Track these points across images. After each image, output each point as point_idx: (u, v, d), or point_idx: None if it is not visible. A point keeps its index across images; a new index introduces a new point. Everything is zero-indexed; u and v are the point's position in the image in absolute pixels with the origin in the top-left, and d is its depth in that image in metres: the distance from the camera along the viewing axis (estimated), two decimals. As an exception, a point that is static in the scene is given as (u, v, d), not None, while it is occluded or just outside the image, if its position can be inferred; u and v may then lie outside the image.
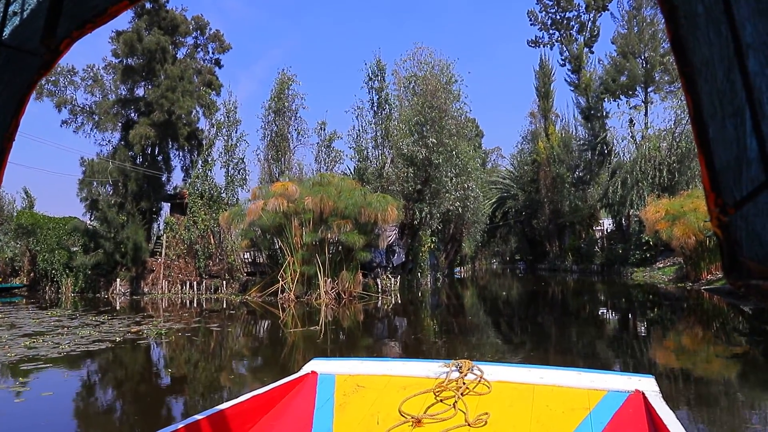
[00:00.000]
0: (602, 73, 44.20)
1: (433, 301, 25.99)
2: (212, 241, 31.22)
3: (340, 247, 24.73)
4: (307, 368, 3.76)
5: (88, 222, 33.60)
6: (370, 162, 29.43)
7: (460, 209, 33.04)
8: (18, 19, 1.07)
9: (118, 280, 31.56)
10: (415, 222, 29.47)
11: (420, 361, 3.77)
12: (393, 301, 24.46)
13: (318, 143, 30.18)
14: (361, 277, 24.75)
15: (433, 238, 35.06)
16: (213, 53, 36.39)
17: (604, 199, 40.73)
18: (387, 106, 29.96)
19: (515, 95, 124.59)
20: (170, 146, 33.94)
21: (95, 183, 31.54)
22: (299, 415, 3.24)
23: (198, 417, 2.67)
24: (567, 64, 48.66)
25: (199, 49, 35.79)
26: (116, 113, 32.17)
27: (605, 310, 20.04)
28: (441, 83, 29.48)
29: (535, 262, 55.17)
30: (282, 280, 24.46)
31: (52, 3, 0.99)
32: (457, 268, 49.90)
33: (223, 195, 30.91)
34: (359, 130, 30.11)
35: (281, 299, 24.00)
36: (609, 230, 44.36)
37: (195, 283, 30.67)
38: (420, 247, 32.12)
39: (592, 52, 47.95)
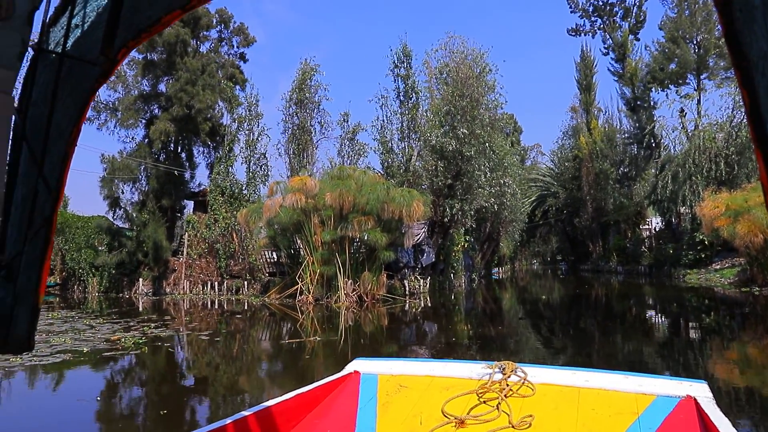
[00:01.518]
0: (649, 61, 41.12)
1: (467, 304, 24.05)
2: (235, 240, 30.06)
3: (362, 246, 23.04)
4: (349, 368, 3.76)
5: (112, 220, 33.01)
6: (396, 155, 27.62)
7: (495, 206, 30.92)
8: (79, 31, 1.21)
9: (140, 279, 30.79)
10: (446, 219, 27.51)
11: (462, 362, 3.75)
12: (421, 305, 22.66)
13: (341, 136, 28.63)
14: (385, 278, 22.98)
15: (467, 237, 33.05)
16: (237, 47, 35.35)
17: (652, 196, 37.74)
18: (414, 95, 28.12)
19: (555, 91, 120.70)
20: (193, 142, 33.01)
21: (117, 181, 30.80)
22: (343, 414, 3.26)
23: (245, 413, 2.75)
24: (610, 53, 45.67)
25: (224, 43, 34.80)
26: (138, 109, 31.42)
27: (654, 315, 17.74)
28: (474, 72, 27.48)
29: (577, 263, 52.31)
30: (300, 282, 22.92)
31: (110, 15, 1.09)
32: (495, 269, 47.67)
33: (245, 191, 29.69)
34: (384, 121, 28.39)
35: (299, 301, 22.49)
36: (657, 229, 41.28)
37: (216, 283, 29.54)
38: (452, 246, 30.15)
39: (638, 39, 44.84)
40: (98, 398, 7.46)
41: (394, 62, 28.31)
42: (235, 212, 28.32)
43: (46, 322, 16.31)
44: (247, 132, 29.12)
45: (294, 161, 28.45)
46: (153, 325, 15.26)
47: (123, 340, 11.41)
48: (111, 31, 1.09)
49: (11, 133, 1.21)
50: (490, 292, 31.04)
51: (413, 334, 14.84)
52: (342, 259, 22.01)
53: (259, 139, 28.73)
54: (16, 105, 1.26)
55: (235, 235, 29.86)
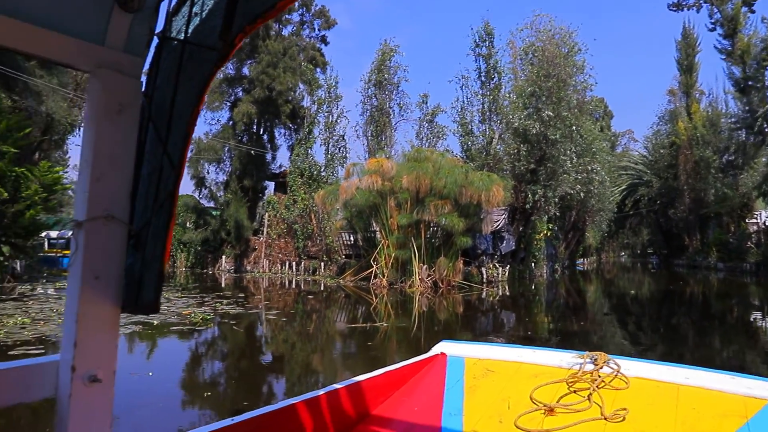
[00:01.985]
0: (766, 35, 37.00)
1: (549, 296, 22.91)
2: (313, 221, 30.36)
3: (439, 231, 22.40)
4: (436, 349, 3.78)
5: (198, 199, 34.38)
6: (476, 137, 26.53)
7: (582, 194, 29.16)
8: (198, 19, 1.30)
9: (223, 257, 31.92)
10: (528, 206, 26.23)
11: (552, 350, 3.70)
12: (499, 293, 21.80)
13: (420, 118, 27.90)
14: (461, 265, 22.23)
15: (551, 225, 31.49)
16: (318, 30, 35.46)
17: (762, 186, 34.19)
18: (496, 75, 26.85)
19: (651, 73, 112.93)
20: (274, 124, 33.58)
21: (202, 161, 31.95)
22: (429, 394, 3.26)
23: (336, 386, 2.83)
24: (718, 28, 41.54)
25: (305, 26, 35.01)
26: (223, 92, 32.34)
27: (762, 318, 15.86)
28: (561, 52, 25.82)
29: (670, 257, 48.73)
30: (375, 265, 22.67)
31: (228, 2, 1.15)
32: (580, 260, 45.46)
33: (323, 173, 29.81)
34: (464, 102, 27.30)
35: (373, 285, 22.25)
36: (767, 223, 37.48)
37: (294, 263, 30.01)
38: (534, 234, 28.80)
39: (753, 11, 40.43)
40: (150, 373, 7.43)
41: (475, 41, 27.18)
42: (313, 193, 28.52)
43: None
44: (326, 114, 29.16)
45: (372, 143, 28.16)
46: (225, 301, 15.52)
47: (193, 315, 11.53)
48: (229, 17, 1.15)
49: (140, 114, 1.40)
50: (574, 283, 29.46)
51: (490, 324, 14.19)
52: (417, 243, 21.50)
53: (338, 121, 28.70)
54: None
55: (313, 217, 30.14)
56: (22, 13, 1.22)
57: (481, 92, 26.89)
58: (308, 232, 29.77)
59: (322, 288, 22.66)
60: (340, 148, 29.23)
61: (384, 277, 22.14)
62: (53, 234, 40.33)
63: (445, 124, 28.99)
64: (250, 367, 8.53)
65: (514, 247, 27.26)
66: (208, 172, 33.25)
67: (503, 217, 25.39)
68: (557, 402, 2.89)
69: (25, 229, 19.69)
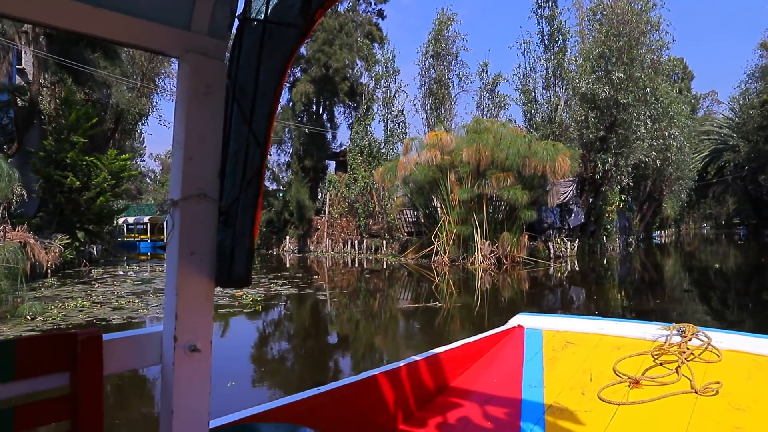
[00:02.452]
0: None
1: (622, 270, 21.66)
2: (375, 199, 30.11)
3: (501, 205, 21.53)
4: (513, 322, 3.79)
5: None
6: (539, 105, 25.13)
7: (658, 162, 27.25)
8: None
9: (287, 237, 32.38)
10: (597, 176, 24.71)
11: (634, 322, 3.67)
12: (568, 269, 20.81)
13: (480, 88, 26.76)
14: (526, 240, 21.31)
15: (623, 197, 29.69)
16: (375, 4, 34.73)
17: None
18: (560, 37, 25.16)
19: (737, 26, 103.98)
20: (333, 103, 33.41)
21: (264, 143, 32.27)
22: (508, 365, 3.26)
23: (416, 358, 2.88)
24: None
25: (361, 1, 34.36)
26: (281, 72, 32.38)
27: None
28: (633, 8, 23.85)
29: (760, 227, 45.06)
30: (436, 242, 22.13)
31: None
32: (656, 233, 42.91)
33: (383, 150, 29.40)
34: (526, 68, 25.85)
35: (435, 262, 21.77)
36: None
37: (356, 242, 29.97)
38: (605, 206, 27.22)
39: None
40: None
41: (537, 2, 25.55)
42: (374, 171, 28.22)
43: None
44: (384, 89, 28.59)
45: (431, 117, 27.37)
46: (281, 282, 15.50)
47: (243, 297, 11.49)
48: None
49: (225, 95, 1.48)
50: (650, 257, 27.73)
51: (557, 301, 13.47)
52: (479, 218, 20.76)
53: (396, 95, 28.06)
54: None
55: (374, 195, 29.88)
56: (115, 5, 1.29)
57: (544, 57, 25.34)
58: (369, 210, 29.58)
59: (383, 266, 22.42)
60: (399, 124, 28.69)
61: (445, 254, 21.58)
62: (131, 220, 42.53)
63: (507, 93, 27.59)
64: (292, 351, 8.33)
65: (583, 220, 25.85)
66: (270, 154, 33.59)
67: (571, 188, 24.06)
68: (642, 374, 2.80)
69: (96, 215, 20.61)
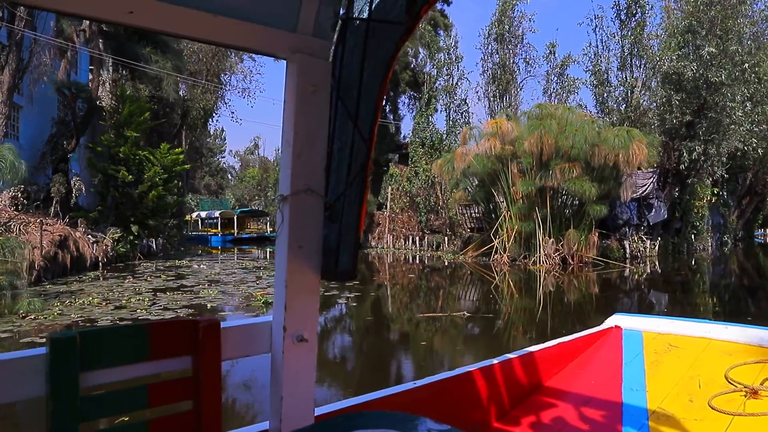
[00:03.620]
0: None
1: (715, 273, 19.17)
2: (438, 193, 28.70)
3: (568, 200, 19.49)
4: (609, 322, 3.68)
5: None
6: (612, 88, 22.53)
7: (760, 150, 23.79)
8: None
9: (349, 232, 31.64)
10: (683, 166, 21.85)
11: (747, 326, 3.38)
12: (647, 271, 18.57)
13: (547, 72, 24.50)
14: (596, 238, 19.13)
15: (716, 190, 26.38)
16: (440, -11, 33.14)
17: None
18: (638, 10, 22.36)
19: None
20: (396, 93, 32.28)
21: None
22: (606, 367, 3.21)
23: (510, 356, 2.86)
24: None
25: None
26: (342, 64, 31.73)
27: None
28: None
29: None
30: (496, 239, 20.44)
31: None
32: (759, 231, 38.35)
33: (445, 141, 27.89)
34: (598, 47, 23.23)
35: (494, 261, 20.11)
36: None
37: (417, 238, 28.69)
38: (693, 200, 24.22)
39: None
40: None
41: (612, -28, 22.94)
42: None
43: (235, 268, 17.06)
44: (446, 78, 27.03)
45: (494, 104, 25.50)
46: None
47: (261, 297, 10.62)
48: None
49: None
50: (751, 259, 24.44)
51: (634, 307, 11.81)
52: (542, 214, 18.86)
53: (459, 83, 26.42)
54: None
55: (438, 189, 28.48)
56: (226, 10, 1.39)
57: (619, 33, 22.69)
58: (431, 205, 28.20)
59: (440, 265, 21.04)
60: (462, 113, 27.03)
61: (505, 252, 19.86)
62: (203, 214, 43.75)
63: (578, 75, 25.04)
64: (351, 351, 7.31)
65: (666, 216, 23.03)
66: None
67: (651, 180, 21.43)
68: (761, 384, 2.59)
69: (149, 209, 20.73)
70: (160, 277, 14.78)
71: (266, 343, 1.59)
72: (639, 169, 19.50)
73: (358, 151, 1.41)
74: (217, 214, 41.98)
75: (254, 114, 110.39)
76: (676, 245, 23.98)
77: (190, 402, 1.45)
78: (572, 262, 18.82)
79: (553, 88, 24.80)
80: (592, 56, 23.12)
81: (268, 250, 30.09)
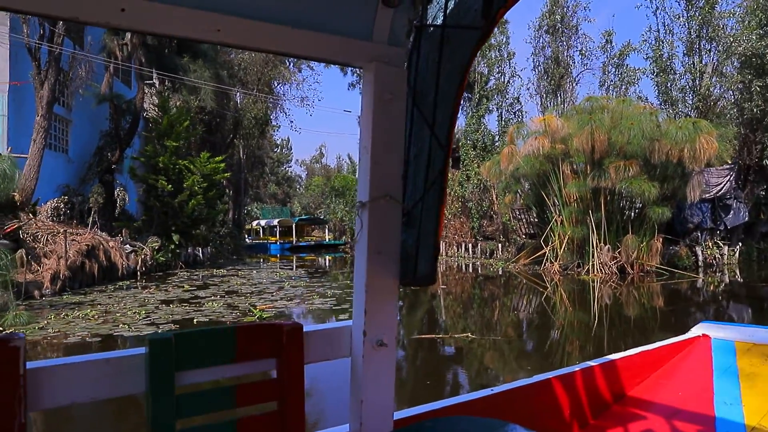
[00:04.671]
0: None
1: (810, 283, 16.44)
2: (493, 198, 27.17)
3: (627, 202, 17.53)
4: (696, 330, 3.51)
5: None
6: (677, 75, 20.10)
7: None
8: (453, 3, 1.36)
9: (402, 240, 30.71)
10: (766, 162, 19.15)
11: None
12: (725, 281, 16.34)
13: (604, 63, 22.34)
14: (659, 244, 17.02)
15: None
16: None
17: None
18: (709, -13, 19.90)
19: None
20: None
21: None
22: (694, 378, 3.07)
23: (591, 363, 2.76)
24: None
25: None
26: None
27: None
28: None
29: None
30: (546, 246, 18.77)
31: None
32: None
33: (497, 143, 26.33)
34: (660, 31, 20.77)
35: (544, 270, 18.46)
36: None
37: (470, 245, 27.25)
38: (781, 201, 21.26)
39: None
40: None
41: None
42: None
43: (268, 278, 16.54)
44: (497, 76, 25.51)
45: (546, 101, 23.66)
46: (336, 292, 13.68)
47: (258, 311, 9.86)
48: None
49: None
50: None
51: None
52: (596, 217, 17.04)
53: (511, 81, 24.83)
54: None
55: (493, 193, 26.97)
56: (305, 23, 1.43)
57: (685, 15, 20.27)
58: (483, 210, 26.70)
59: (492, 273, 19.61)
60: (515, 113, 25.36)
61: (555, 260, 18.15)
62: (263, 223, 44.33)
63: (639, 65, 22.54)
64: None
65: (746, 219, 20.29)
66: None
67: (727, 178, 18.92)
68: None
69: (189, 218, 20.75)
70: (183, 287, 14.47)
71: (346, 347, 1.63)
72: (711, 166, 17.23)
73: (436, 157, 1.43)
74: (275, 222, 42.34)
75: (314, 123, 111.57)
76: (762, 251, 21.12)
77: (274, 403, 1.49)
78: (631, 272, 16.86)
79: (611, 81, 22.61)
80: (653, 42, 20.78)
81: (326, 257, 29.76)
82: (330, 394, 5.28)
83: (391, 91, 1.50)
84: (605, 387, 2.80)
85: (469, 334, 8.47)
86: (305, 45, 1.44)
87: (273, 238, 41.69)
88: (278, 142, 66.77)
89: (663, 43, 20.60)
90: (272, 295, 12.73)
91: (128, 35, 19.24)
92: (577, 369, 2.67)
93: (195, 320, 9.28)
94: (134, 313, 9.99)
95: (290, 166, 74.83)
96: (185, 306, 10.95)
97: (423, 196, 1.48)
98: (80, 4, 1.18)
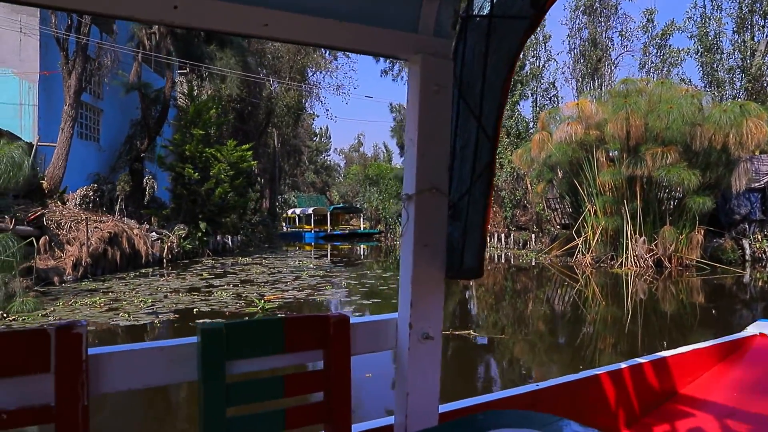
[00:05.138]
0: None
1: None
2: (528, 186, 26.27)
3: (665, 191, 16.49)
4: (752, 329, 3.38)
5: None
6: (725, 55, 18.62)
7: None
8: None
9: (434, 229, 30.17)
10: (825, 148, 17.64)
11: None
12: (771, 276, 15.13)
13: (644, 44, 20.95)
14: (700, 236, 15.94)
15: None
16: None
17: None
18: (761, -43, 18.31)
19: None
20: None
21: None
22: (752, 378, 2.95)
23: (641, 360, 2.73)
24: None
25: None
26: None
27: None
28: None
29: None
30: (578, 237, 17.93)
31: None
32: None
33: (531, 130, 25.35)
34: (706, 7, 19.18)
35: (575, 262, 17.65)
36: None
37: (503, 235, 26.47)
38: (843, 190, 19.59)
39: None
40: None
41: None
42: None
43: (290, 267, 16.36)
44: (532, 60, 24.46)
45: (582, 85, 22.50)
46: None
47: (263, 302, 9.60)
48: None
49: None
50: None
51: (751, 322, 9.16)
52: (631, 208, 16.10)
53: (546, 66, 23.75)
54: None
55: (528, 181, 26.06)
56: (351, 16, 1.43)
57: (735, -11, 18.75)
58: (516, 199, 25.85)
59: (524, 265, 18.93)
60: (550, 98, 24.31)
61: (587, 252, 17.30)
62: (298, 211, 44.50)
63: (683, 45, 20.92)
64: None
65: (800, 210, 18.85)
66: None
67: (780, 166, 17.56)
68: None
69: (216, 206, 20.81)
70: (201, 275, 14.45)
71: (392, 339, 1.64)
72: (762, 152, 15.99)
73: (482, 149, 1.42)
74: (310, 211, 42.38)
75: (350, 111, 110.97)
76: (818, 245, 19.59)
77: (321, 393, 1.51)
78: (669, 265, 15.88)
79: (652, 62, 21.22)
80: (699, 19, 19.30)
81: (360, 246, 29.59)
82: (364, 384, 5.13)
83: (437, 83, 1.49)
84: (655, 384, 2.74)
85: (501, 335, 8.00)
86: (351, 38, 1.45)
87: (308, 227, 41.78)
88: (317, 131, 67.02)
89: (710, 20, 19.09)
90: (285, 285, 12.51)
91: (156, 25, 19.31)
92: (625, 365, 2.62)
93: (195, 310, 9.12)
94: (141, 301, 9.93)
95: (329, 155, 75.13)
96: (194, 295, 10.84)
97: (469, 188, 1.48)
98: (136, 3, 1.22)
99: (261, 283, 12.93)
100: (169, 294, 10.92)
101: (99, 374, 1.28)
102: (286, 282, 13.14)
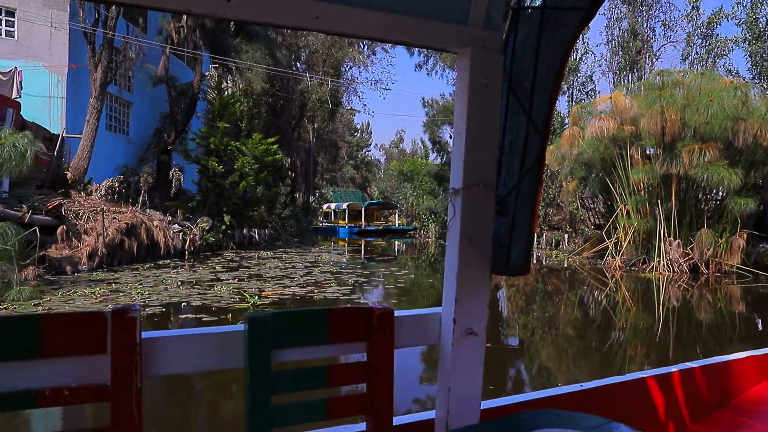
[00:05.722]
0: None
1: None
2: (563, 184, 25.25)
3: (704, 191, 15.38)
4: None
5: (440, 165, 32.66)
6: None
7: None
8: None
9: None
10: None
11: None
12: (825, 286, 13.87)
13: (688, 33, 19.56)
14: (742, 241, 14.77)
15: None
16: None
17: None
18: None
19: None
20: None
21: (442, 125, 29.86)
22: None
23: (691, 365, 2.64)
24: None
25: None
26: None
27: None
28: None
29: None
30: (608, 239, 16.98)
31: None
32: None
33: (566, 125, 24.28)
34: None
35: (605, 265, 16.73)
36: None
37: (535, 235, 25.54)
38: None
39: None
40: None
41: None
42: (553, 151, 23.48)
43: (306, 262, 16.12)
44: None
45: (620, 78, 21.29)
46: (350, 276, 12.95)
47: (254, 299, 9.33)
48: None
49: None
50: None
51: None
52: (666, 209, 15.08)
53: (583, 59, 22.60)
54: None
55: (561, 179, 25.05)
56: (400, 8, 1.41)
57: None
58: (549, 197, 24.88)
59: (555, 266, 18.13)
60: (587, 93, 23.17)
61: (618, 255, 16.35)
62: (332, 206, 44.51)
63: (731, 35, 19.24)
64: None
65: None
66: (450, 136, 31.05)
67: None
68: None
69: (241, 199, 20.81)
70: (214, 268, 14.38)
71: (435, 334, 1.63)
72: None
73: (532, 143, 1.40)
74: (344, 206, 42.30)
75: (390, 106, 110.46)
76: None
77: (364, 385, 1.52)
78: (706, 271, 14.79)
79: (696, 53, 19.82)
80: (749, 4, 17.75)
81: (394, 243, 29.27)
82: (403, 379, 4.91)
83: (487, 76, 1.47)
84: (706, 391, 2.65)
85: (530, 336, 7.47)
86: (401, 31, 1.44)
87: (342, 222, 41.73)
88: (357, 127, 67.00)
89: (761, 5, 17.51)
90: (292, 281, 12.25)
91: (184, 18, 19.44)
92: (675, 369, 2.55)
93: (183, 304, 8.94)
94: (138, 293, 9.85)
95: (369, 151, 75.03)
96: (196, 288, 10.71)
97: (518, 183, 1.46)
98: None
99: (269, 278, 12.71)
100: (170, 287, 10.82)
101: (151, 357, 1.32)
102: (294, 278, 12.88)
